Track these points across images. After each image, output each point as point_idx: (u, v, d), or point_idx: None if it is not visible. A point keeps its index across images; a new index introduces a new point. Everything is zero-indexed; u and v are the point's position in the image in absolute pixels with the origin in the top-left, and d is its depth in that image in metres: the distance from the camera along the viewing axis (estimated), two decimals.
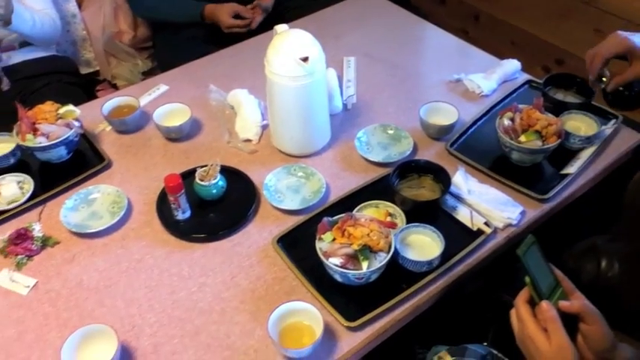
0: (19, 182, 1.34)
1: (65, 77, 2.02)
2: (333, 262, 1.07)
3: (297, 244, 1.21)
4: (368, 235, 1.07)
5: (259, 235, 1.25)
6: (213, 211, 1.30)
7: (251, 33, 2.00)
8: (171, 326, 1.09)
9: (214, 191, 1.29)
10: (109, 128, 1.54)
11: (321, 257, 1.08)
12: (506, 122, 1.33)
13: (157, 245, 1.24)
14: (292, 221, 1.27)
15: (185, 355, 1.04)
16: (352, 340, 1.06)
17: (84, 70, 2.26)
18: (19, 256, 1.20)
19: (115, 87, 2.33)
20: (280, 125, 1.40)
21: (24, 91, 1.91)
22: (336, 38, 1.85)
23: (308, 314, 1.05)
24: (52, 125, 1.36)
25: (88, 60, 2.33)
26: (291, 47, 1.27)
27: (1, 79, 1.86)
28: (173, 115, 1.50)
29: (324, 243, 1.10)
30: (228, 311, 1.11)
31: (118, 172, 1.41)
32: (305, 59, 1.26)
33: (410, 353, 1.22)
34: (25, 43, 1.97)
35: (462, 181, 1.29)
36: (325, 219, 1.12)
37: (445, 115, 1.46)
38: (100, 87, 2.29)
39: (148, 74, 2.37)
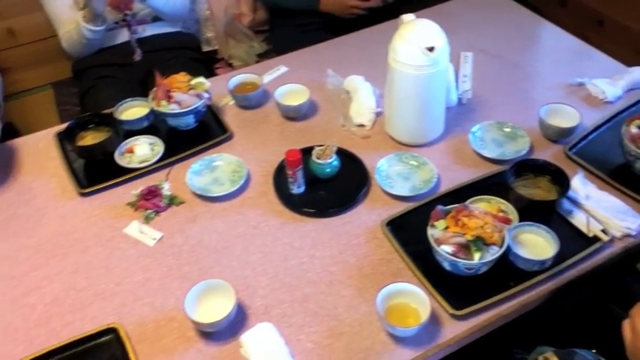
0: (150, 144, 1.46)
1: (190, 53, 2.15)
2: (445, 250, 1.08)
3: (406, 229, 1.24)
4: (482, 227, 1.08)
5: (368, 217, 1.29)
6: (325, 188, 1.35)
7: (368, 23, 2.03)
8: (282, 291, 1.15)
9: (328, 170, 1.34)
10: (231, 102, 1.63)
11: (432, 244, 1.10)
12: (634, 130, 1.29)
13: (272, 215, 1.31)
14: (401, 207, 1.30)
15: (294, 319, 1.10)
16: (456, 328, 1.07)
17: (204, 48, 2.39)
18: (148, 211, 1.31)
19: (231, 66, 2.44)
20: (396, 113, 1.42)
21: (152, 62, 2.05)
22: (453, 32, 1.83)
23: (415, 297, 1.07)
24: (185, 94, 1.46)
25: (209, 39, 2.45)
26: (417, 36, 1.29)
27: (134, 49, 2.00)
28: (292, 95, 1.57)
29: (436, 230, 1.12)
30: (336, 284, 1.16)
31: (238, 144, 1.50)
32: (431, 49, 1.28)
33: (507, 354, 1.21)
34: (156, 18, 2.11)
35: (580, 185, 1.26)
36: (439, 207, 1.14)
37: (565, 117, 1.43)
38: (218, 65, 2.41)
39: (262, 56, 2.46)
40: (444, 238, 1.10)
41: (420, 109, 1.38)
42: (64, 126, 1.52)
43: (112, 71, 2.03)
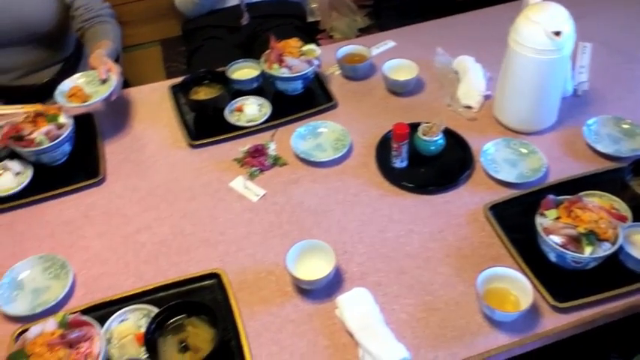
0: (259, 105, 1.50)
1: (295, 22, 2.17)
2: (554, 240, 1.05)
3: (510, 215, 1.21)
4: (596, 221, 1.04)
5: (470, 199, 1.27)
6: (427, 166, 1.34)
7: (480, 4, 1.97)
8: (378, 260, 1.16)
9: (433, 148, 1.33)
10: (337, 72, 1.64)
11: (540, 233, 1.07)
12: None
13: (372, 186, 1.32)
14: (505, 192, 1.27)
15: (389, 289, 1.11)
16: (556, 320, 1.05)
17: (308, 19, 2.41)
18: (254, 168, 1.35)
19: (332, 39, 2.46)
20: (509, 97, 1.38)
21: (258, 27, 2.09)
22: (577, 19, 1.76)
23: (517, 284, 1.05)
24: (296, 59, 1.49)
25: (313, 10, 2.47)
26: (544, 19, 1.24)
27: (243, 13, 2.05)
28: (399, 70, 1.56)
29: (545, 219, 1.09)
30: (433, 261, 1.16)
31: (342, 113, 1.51)
32: (557, 33, 1.23)
33: (603, 356, 1.17)
34: None
35: None
36: (550, 196, 1.10)
37: None
38: (320, 36, 2.43)
39: (363, 31, 2.46)
40: (553, 228, 1.07)
41: (535, 96, 1.34)
42: (179, 79, 1.58)
43: (219, 33, 2.09)
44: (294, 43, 1.53)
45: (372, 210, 1.26)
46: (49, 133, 1.33)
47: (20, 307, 1.10)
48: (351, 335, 1.03)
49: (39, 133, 1.32)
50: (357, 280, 1.13)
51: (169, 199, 1.31)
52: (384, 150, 1.37)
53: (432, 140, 1.32)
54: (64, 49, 1.84)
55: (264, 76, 1.55)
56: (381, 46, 1.72)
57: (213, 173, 1.37)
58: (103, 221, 1.27)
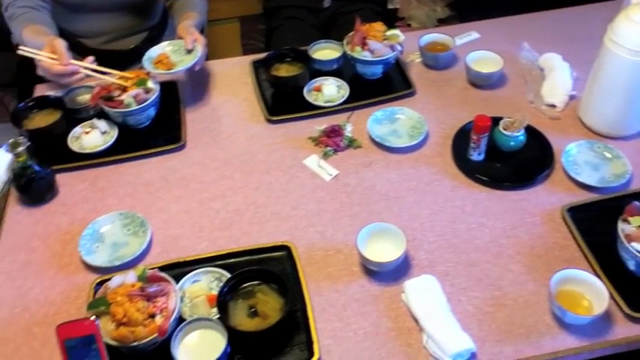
0: (337, 86, 1.51)
1: (375, 7, 2.16)
2: (636, 248, 1.02)
3: (588, 218, 1.17)
4: None
5: (547, 198, 1.24)
6: (505, 161, 1.32)
7: (568, 1, 1.90)
8: (448, 250, 1.15)
9: (512, 143, 1.31)
10: (418, 60, 1.63)
11: (622, 239, 1.04)
12: None
13: (446, 176, 1.30)
14: (585, 196, 1.23)
15: (457, 280, 1.10)
16: (629, 330, 1.01)
17: (388, 5, 2.39)
18: (328, 148, 1.37)
19: (409, 27, 2.43)
20: (598, 99, 1.34)
21: (338, 10, 2.10)
22: None
23: (591, 288, 1.03)
24: (379, 43, 1.48)
25: None
26: None
27: None
28: (483, 62, 1.53)
29: (628, 226, 1.05)
30: (504, 257, 1.14)
31: (420, 101, 1.50)
32: None
33: None
34: None
35: None
36: (636, 203, 1.06)
37: None
38: (398, 24, 2.41)
39: (443, 22, 2.42)
40: (636, 236, 1.03)
41: (627, 99, 1.29)
42: (261, 55, 1.61)
43: (299, 13, 2.11)
44: (378, 27, 1.52)
45: (444, 200, 1.25)
46: (137, 96, 1.38)
47: (100, 258, 1.16)
48: (415, 320, 1.03)
49: (128, 96, 1.38)
50: (424, 267, 1.13)
51: (244, 171, 1.34)
52: (461, 141, 1.35)
53: (513, 136, 1.30)
54: (150, 17, 1.90)
55: (344, 58, 1.56)
56: (464, 37, 1.69)
57: (288, 149, 1.39)
58: (181, 185, 1.32)
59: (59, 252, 1.19)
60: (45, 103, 1.44)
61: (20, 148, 1.20)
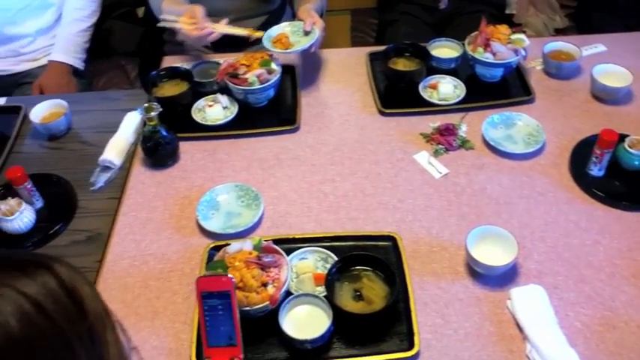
0: (454, 85, 1.50)
1: (492, 10, 2.12)
2: None
3: None
4: None
5: None
6: (626, 180, 1.27)
7: None
8: (558, 263, 1.13)
9: (637, 162, 1.25)
10: (539, 67, 1.59)
11: None
12: None
13: (561, 188, 1.27)
14: None
15: (565, 294, 1.07)
16: None
17: (506, 10, 2.33)
18: (440, 146, 1.36)
19: (524, 34, 2.36)
20: None
21: (455, 10, 2.07)
22: None
23: None
24: (503, 46, 1.46)
25: (510, 1, 2.38)
26: None
27: None
28: (609, 76, 1.46)
29: None
30: (618, 278, 1.10)
31: (538, 109, 1.46)
32: None
33: None
34: None
35: None
36: None
37: None
38: (513, 30, 2.34)
39: (560, 32, 2.33)
40: None
41: None
42: (379, 47, 1.63)
43: (415, 10, 2.10)
44: (503, 29, 1.50)
45: (557, 212, 1.22)
46: (261, 76, 1.44)
47: (214, 224, 1.22)
48: (520, 329, 1.02)
49: (252, 74, 1.43)
50: (532, 277, 1.11)
51: (354, 158, 1.37)
52: (580, 154, 1.31)
53: (639, 155, 1.24)
54: (271, 2, 1.96)
55: (464, 58, 1.54)
56: (590, 49, 1.63)
57: (398, 142, 1.40)
58: (293, 166, 1.36)
59: (177, 214, 1.26)
60: (174, 73, 1.53)
61: (153, 113, 1.28)
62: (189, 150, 1.41)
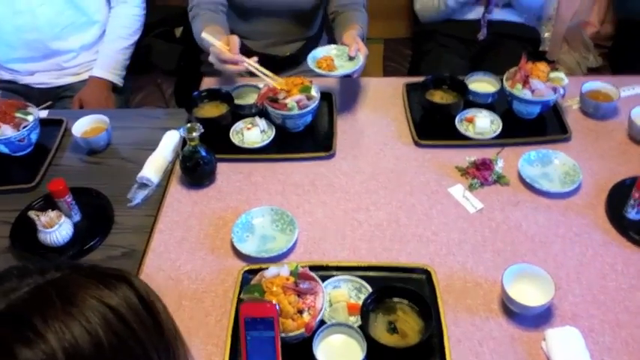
0: (491, 120, 1.50)
1: (528, 46, 2.13)
2: None
3: None
4: None
5: None
6: None
7: None
8: (594, 306, 1.11)
9: None
10: (575, 106, 1.59)
11: None
12: None
13: (597, 229, 1.26)
14: None
15: (601, 339, 1.06)
16: None
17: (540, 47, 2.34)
18: (475, 180, 1.36)
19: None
20: None
21: (491, 45, 2.09)
22: None
23: None
24: (542, 84, 1.46)
25: (544, 39, 2.40)
26: None
27: (481, 28, 2.05)
28: None
29: None
30: None
31: (574, 148, 1.46)
32: None
33: None
34: (506, 4, 2.12)
35: None
36: None
37: None
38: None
39: (593, 71, 2.34)
40: None
41: None
42: (417, 79, 1.64)
43: (451, 42, 2.12)
44: (542, 67, 1.50)
45: (593, 253, 1.21)
46: (300, 101, 1.46)
47: (249, 247, 1.23)
48: None
49: (291, 100, 1.45)
50: (567, 318, 1.09)
51: (389, 188, 1.37)
52: (617, 196, 1.30)
53: None
54: (310, 27, 2.00)
55: (500, 93, 1.55)
56: (628, 90, 1.63)
57: (433, 174, 1.41)
58: (328, 192, 1.37)
59: (212, 235, 1.28)
60: (215, 95, 1.56)
61: (195, 133, 1.30)
62: (225, 171, 1.43)
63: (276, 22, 1.87)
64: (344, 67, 1.54)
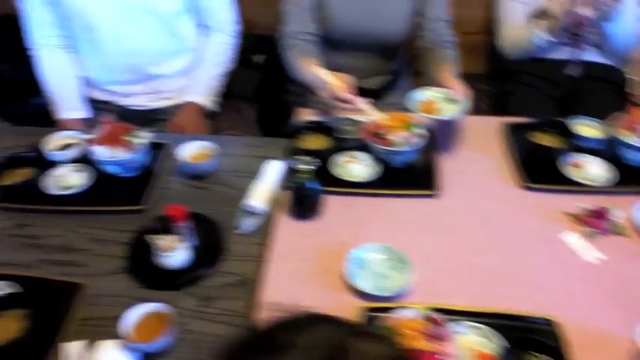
0: (600, 166, 1.47)
1: (615, 88, 2.10)
2: None
3: None
4: None
5: None
6: None
7: None
8: None
9: None
10: None
11: None
12: None
13: None
14: None
15: None
16: None
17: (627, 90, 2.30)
18: (592, 229, 1.33)
19: None
20: None
21: (578, 85, 2.06)
22: None
23: None
24: None
25: (631, 81, 2.36)
26: None
27: (569, 68, 2.03)
28: None
29: None
30: None
31: None
32: None
33: None
34: (597, 45, 2.09)
35: None
36: None
37: None
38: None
39: None
40: None
41: None
42: (518, 119, 1.63)
43: (536, 82, 2.11)
44: None
45: None
46: (404, 138, 1.46)
47: (364, 284, 1.21)
48: None
49: (396, 136, 1.45)
50: None
51: (498, 231, 1.35)
52: None
53: None
54: (395, 62, 2.01)
55: (607, 138, 1.52)
56: None
57: (542, 219, 1.38)
58: (435, 231, 1.35)
59: (324, 268, 1.27)
60: (316, 126, 1.57)
61: (309, 166, 1.30)
62: (329, 203, 1.42)
63: (364, 56, 1.89)
64: (446, 110, 1.54)
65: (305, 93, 2.02)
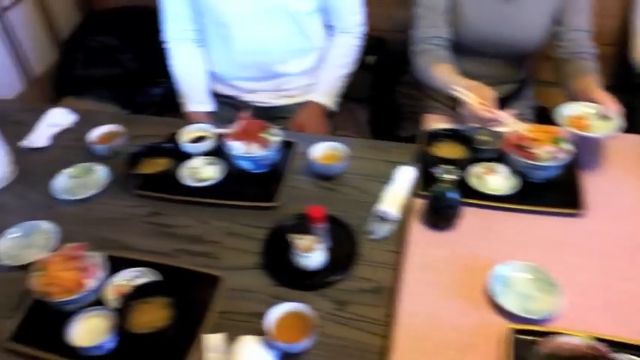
0: None
1: None
2: None
3: None
4: None
5: None
6: None
7: None
8: None
9: None
10: None
11: None
12: None
13: None
14: None
15: None
16: None
17: None
18: None
19: None
20: None
21: None
22: None
23: None
24: None
25: None
26: None
27: None
28: None
29: None
30: None
31: None
32: None
33: None
34: None
35: None
36: None
37: None
38: None
39: None
40: None
41: None
42: None
43: None
44: None
45: None
46: (550, 152, 1.38)
47: (509, 303, 1.15)
48: None
49: (541, 150, 1.38)
50: None
51: None
52: None
53: None
54: (523, 71, 1.93)
55: None
56: None
57: None
58: (582, 253, 1.27)
59: (464, 283, 1.22)
60: (451, 134, 1.52)
61: (451, 177, 1.26)
62: (465, 215, 1.37)
63: (490, 62, 1.83)
64: (600, 128, 1.45)
65: (423, 98, 1.99)
